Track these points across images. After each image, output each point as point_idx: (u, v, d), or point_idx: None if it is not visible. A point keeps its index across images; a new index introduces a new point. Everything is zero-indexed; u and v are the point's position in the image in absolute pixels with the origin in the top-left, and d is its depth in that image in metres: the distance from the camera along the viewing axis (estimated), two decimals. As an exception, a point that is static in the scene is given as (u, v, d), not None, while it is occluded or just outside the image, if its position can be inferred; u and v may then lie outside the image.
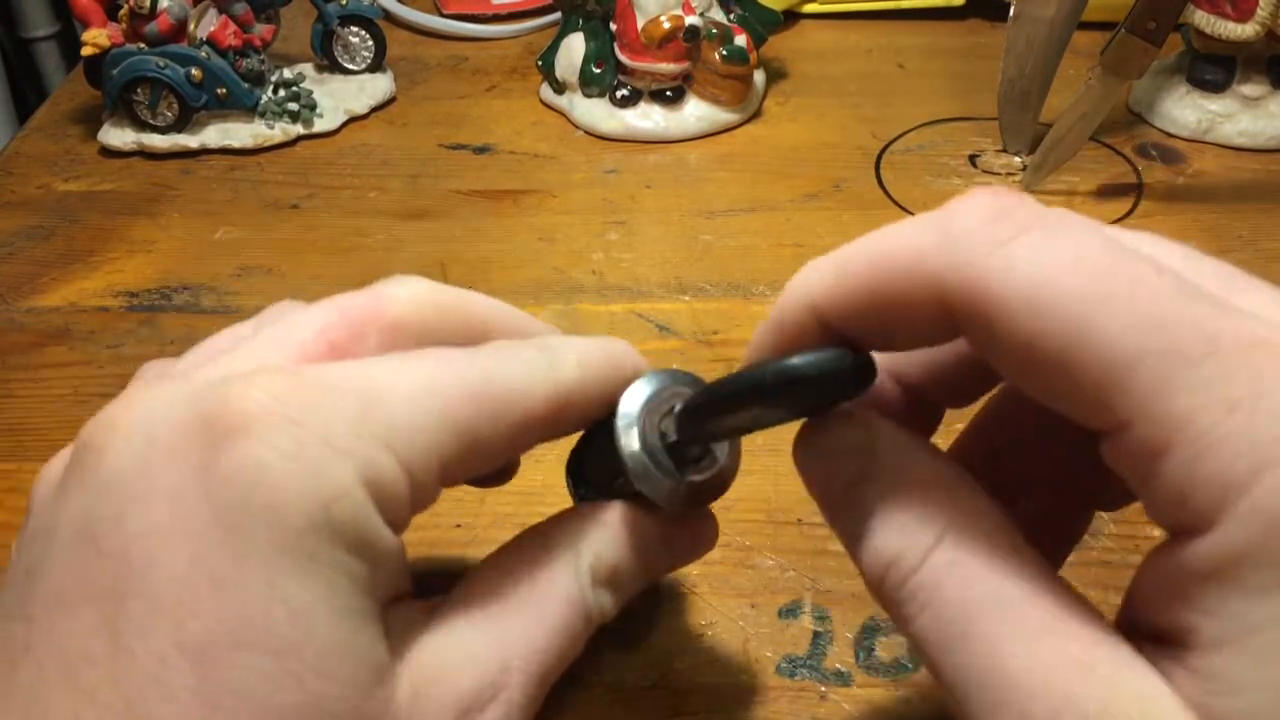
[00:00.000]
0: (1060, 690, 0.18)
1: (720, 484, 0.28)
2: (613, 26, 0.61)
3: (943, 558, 0.20)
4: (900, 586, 0.21)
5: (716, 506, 0.38)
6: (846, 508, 0.23)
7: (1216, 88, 0.58)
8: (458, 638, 0.24)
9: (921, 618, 0.20)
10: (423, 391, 0.23)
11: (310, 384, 0.22)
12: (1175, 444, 0.18)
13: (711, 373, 0.44)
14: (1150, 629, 0.19)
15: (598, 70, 0.61)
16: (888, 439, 0.23)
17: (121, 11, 0.58)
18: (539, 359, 0.25)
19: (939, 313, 0.20)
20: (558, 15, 0.66)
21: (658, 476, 0.26)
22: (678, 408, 0.26)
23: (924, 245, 0.21)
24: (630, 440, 0.26)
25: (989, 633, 0.19)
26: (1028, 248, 0.20)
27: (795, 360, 0.22)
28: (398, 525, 0.23)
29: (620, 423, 0.26)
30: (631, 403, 0.26)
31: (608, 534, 0.27)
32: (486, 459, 0.24)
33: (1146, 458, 0.18)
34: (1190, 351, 0.18)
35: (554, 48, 0.63)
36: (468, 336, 0.26)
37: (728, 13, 0.62)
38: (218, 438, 0.21)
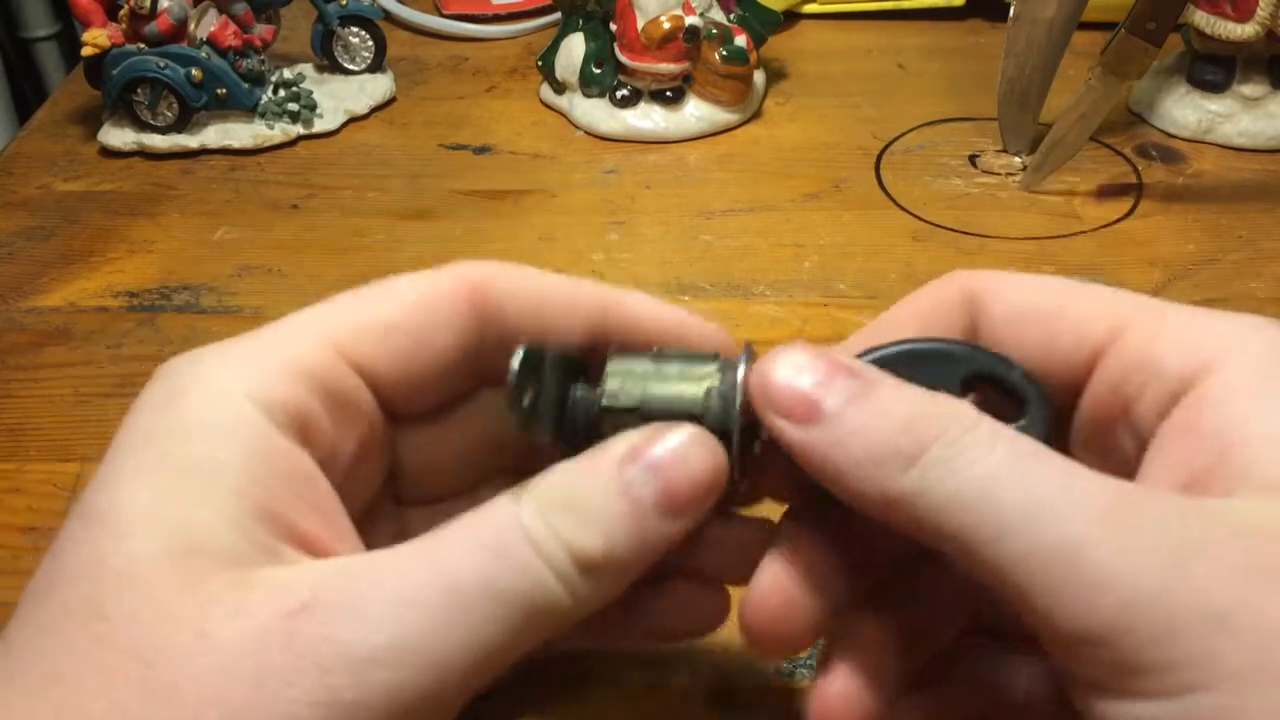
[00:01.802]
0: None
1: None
2: (613, 27, 0.61)
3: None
4: (958, 438, 0.22)
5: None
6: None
7: (1216, 88, 0.58)
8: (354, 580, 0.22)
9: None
10: None
11: None
12: None
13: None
14: None
15: (598, 70, 0.61)
16: None
17: (122, 12, 0.58)
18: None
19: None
20: (558, 15, 0.66)
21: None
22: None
23: None
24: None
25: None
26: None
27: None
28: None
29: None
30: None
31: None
32: None
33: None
34: None
35: (554, 48, 0.63)
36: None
37: (728, 13, 0.62)
38: None
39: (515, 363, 0.24)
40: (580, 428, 0.26)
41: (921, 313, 0.27)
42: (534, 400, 0.25)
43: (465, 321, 0.26)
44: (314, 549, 0.23)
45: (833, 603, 0.25)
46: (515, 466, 0.28)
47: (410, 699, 0.21)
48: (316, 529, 0.24)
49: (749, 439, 0.25)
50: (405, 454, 0.28)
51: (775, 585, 0.25)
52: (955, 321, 0.27)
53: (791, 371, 0.23)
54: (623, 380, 0.26)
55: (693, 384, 0.25)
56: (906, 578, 0.27)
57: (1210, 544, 0.20)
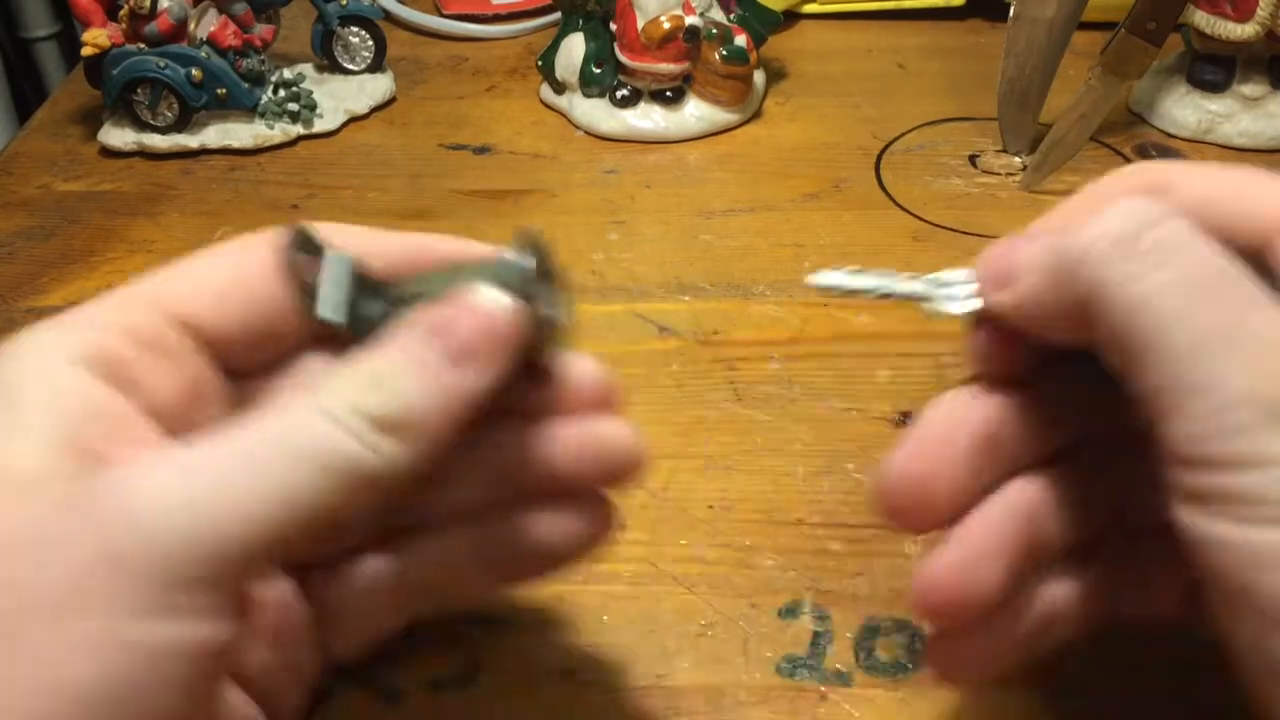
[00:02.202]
0: None
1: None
2: (613, 27, 0.61)
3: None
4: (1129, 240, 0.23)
5: (717, 506, 0.38)
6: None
7: (1216, 88, 0.58)
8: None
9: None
10: None
11: None
12: None
13: (711, 372, 0.45)
14: None
15: (598, 70, 0.61)
16: None
17: (122, 12, 0.58)
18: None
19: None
20: (558, 15, 0.66)
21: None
22: None
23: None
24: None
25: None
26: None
27: None
28: None
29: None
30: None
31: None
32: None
33: None
34: None
35: (554, 48, 0.63)
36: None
37: (728, 13, 0.62)
38: None
39: (288, 238, 0.27)
40: (377, 324, 0.26)
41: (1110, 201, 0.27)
42: (313, 284, 0.27)
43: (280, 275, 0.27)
44: None
45: (976, 480, 0.26)
46: None
47: (200, 555, 0.22)
48: (132, 459, 0.24)
49: (545, 303, 0.26)
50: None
51: (917, 453, 0.26)
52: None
53: (999, 246, 0.26)
54: (417, 282, 0.27)
55: (482, 272, 0.26)
56: (1057, 468, 0.27)
57: None
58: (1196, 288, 0.22)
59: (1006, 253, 0.26)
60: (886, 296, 0.28)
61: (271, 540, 0.22)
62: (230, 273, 0.27)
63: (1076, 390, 0.27)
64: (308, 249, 0.27)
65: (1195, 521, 0.22)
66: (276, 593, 0.29)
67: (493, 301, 0.25)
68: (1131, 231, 0.23)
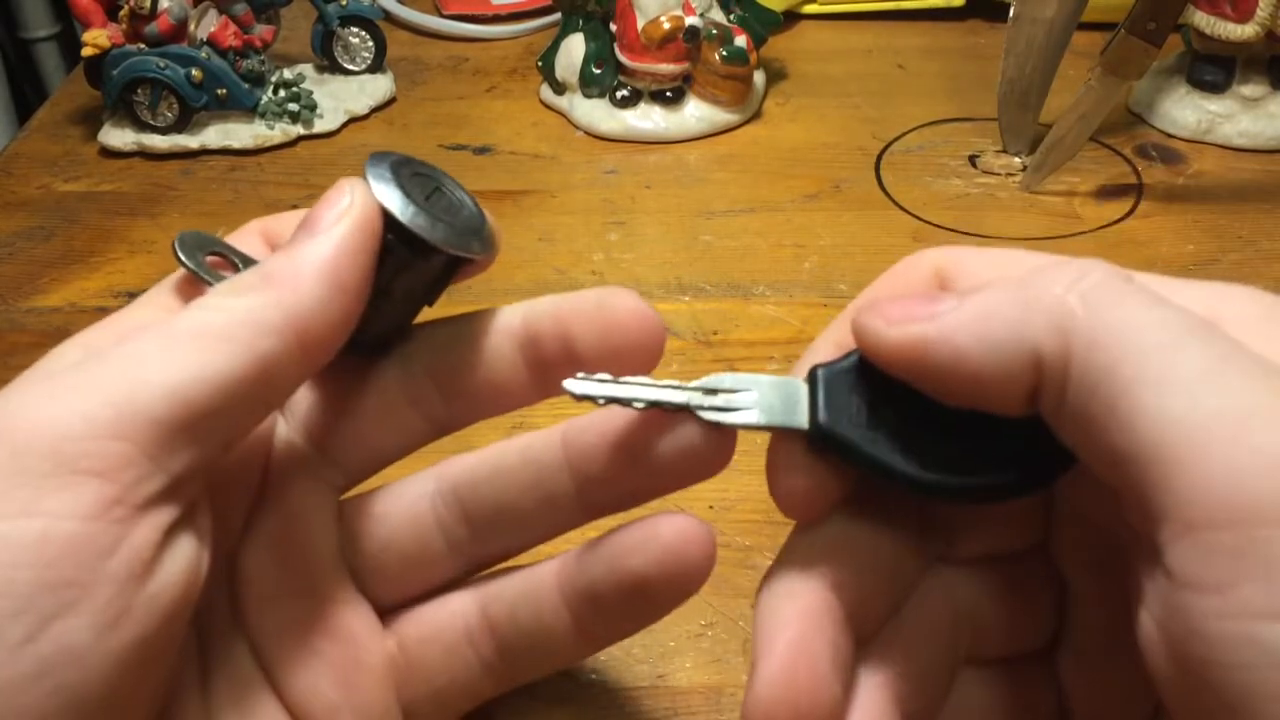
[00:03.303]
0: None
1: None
2: (613, 27, 0.61)
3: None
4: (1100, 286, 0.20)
5: (718, 506, 0.38)
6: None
7: (1216, 88, 0.58)
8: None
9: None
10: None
11: None
12: None
13: (711, 372, 0.45)
14: None
15: (598, 71, 0.61)
16: None
17: (122, 12, 0.58)
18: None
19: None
20: (558, 16, 0.66)
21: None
22: None
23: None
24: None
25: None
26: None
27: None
28: None
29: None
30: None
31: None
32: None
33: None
34: None
35: (554, 48, 0.63)
36: None
37: (728, 13, 0.62)
38: None
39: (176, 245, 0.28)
40: None
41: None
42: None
43: None
44: None
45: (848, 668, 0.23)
46: None
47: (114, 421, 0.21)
48: None
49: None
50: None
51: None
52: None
53: (890, 301, 0.23)
54: None
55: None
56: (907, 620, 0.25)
57: None
58: (1200, 325, 0.19)
59: (912, 305, 0.22)
60: (655, 405, 0.24)
61: (147, 413, 0.21)
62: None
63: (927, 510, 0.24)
64: (200, 248, 0.28)
65: (1220, 626, 0.17)
66: (347, 623, 0.27)
67: (346, 191, 0.26)
68: (1108, 275, 0.20)
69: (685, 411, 0.25)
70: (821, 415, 0.23)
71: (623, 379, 0.24)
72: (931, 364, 0.22)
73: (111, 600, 0.21)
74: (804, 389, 0.24)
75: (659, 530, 0.26)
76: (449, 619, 0.28)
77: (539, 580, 0.27)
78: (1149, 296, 0.20)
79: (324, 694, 0.27)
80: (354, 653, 0.27)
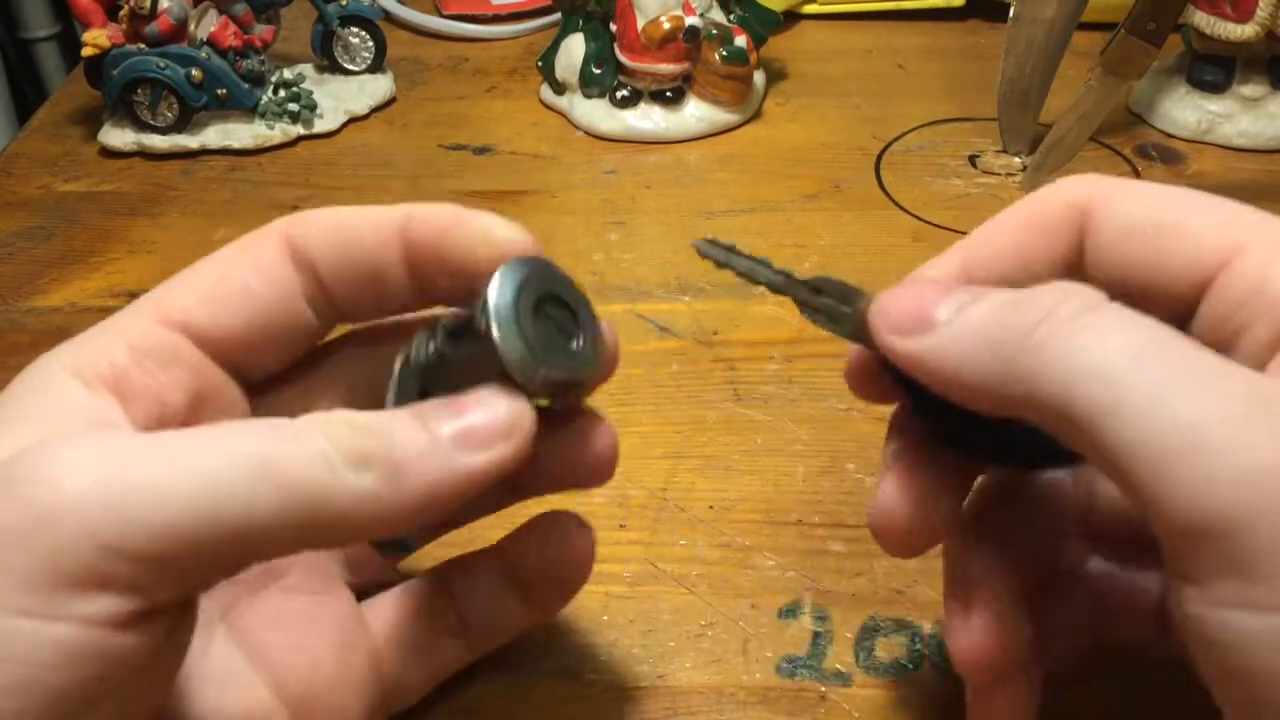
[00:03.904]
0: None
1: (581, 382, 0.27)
2: (613, 27, 0.61)
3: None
4: (1073, 318, 0.22)
5: (717, 506, 0.38)
6: None
7: (1216, 88, 0.58)
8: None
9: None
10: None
11: None
12: None
13: (711, 372, 0.45)
14: None
15: (598, 71, 0.61)
16: None
17: (122, 12, 0.58)
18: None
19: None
20: (558, 16, 0.66)
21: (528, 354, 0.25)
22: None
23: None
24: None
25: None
26: None
27: None
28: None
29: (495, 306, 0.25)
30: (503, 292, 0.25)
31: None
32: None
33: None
34: None
35: (554, 48, 0.63)
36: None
37: (728, 13, 0.62)
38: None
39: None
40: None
41: (1026, 227, 0.27)
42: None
43: (280, 265, 0.27)
44: None
45: (948, 508, 0.27)
46: None
47: (104, 532, 0.20)
48: None
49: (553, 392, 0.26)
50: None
51: (894, 494, 0.26)
52: (1060, 237, 0.26)
53: (907, 294, 0.25)
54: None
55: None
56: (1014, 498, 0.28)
57: None
58: (1151, 346, 0.21)
59: (913, 304, 0.25)
60: (767, 285, 0.27)
61: (190, 547, 0.21)
62: (223, 272, 0.27)
63: None
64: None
65: (1202, 612, 0.20)
66: (333, 602, 0.29)
67: (507, 400, 0.24)
68: (1075, 309, 0.22)
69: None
70: None
71: (746, 253, 0.27)
72: (930, 376, 0.24)
73: (126, 700, 0.21)
74: None
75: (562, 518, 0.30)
76: (417, 598, 0.31)
77: (485, 562, 0.31)
78: (1114, 321, 0.22)
79: (324, 673, 0.28)
80: (345, 632, 0.29)
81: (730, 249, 0.27)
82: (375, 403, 0.26)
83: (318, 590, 0.29)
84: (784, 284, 0.28)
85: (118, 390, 0.24)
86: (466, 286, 0.26)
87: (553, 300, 0.26)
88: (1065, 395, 0.21)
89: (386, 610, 0.31)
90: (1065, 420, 0.21)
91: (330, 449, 0.22)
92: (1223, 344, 0.24)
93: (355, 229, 0.27)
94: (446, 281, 0.27)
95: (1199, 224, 0.24)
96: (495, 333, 0.24)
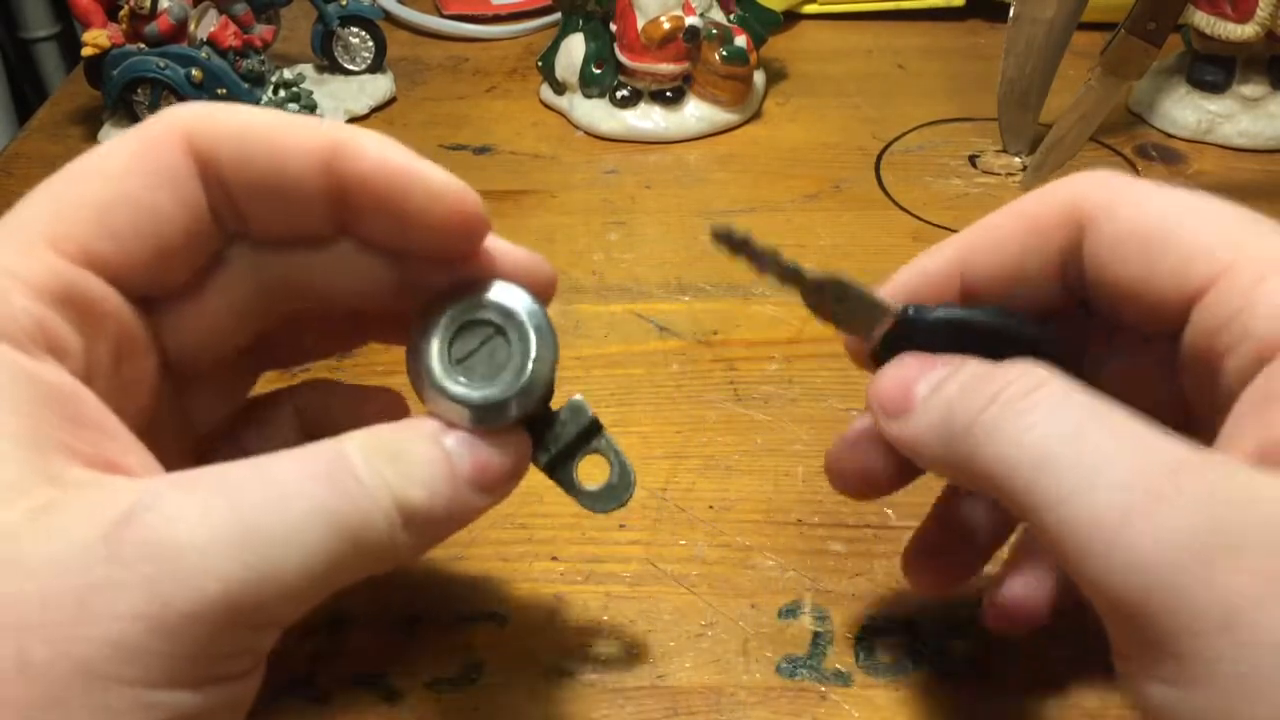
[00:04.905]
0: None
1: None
2: (613, 27, 0.61)
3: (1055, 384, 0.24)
4: (1000, 420, 0.24)
5: (717, 506, 0.38)
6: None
7: (1216, 88, 0.58)
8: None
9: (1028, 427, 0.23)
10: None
11: None
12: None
13: (711, 372, 0.45)
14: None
15: (598, 71, 0.61)
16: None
17: (122, 12, 0.58)
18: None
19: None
20: (558, 16, 0.66)
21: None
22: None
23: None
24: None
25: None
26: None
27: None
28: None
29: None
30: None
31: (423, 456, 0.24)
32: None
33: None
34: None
35: (554, 48, 0.63)
36: None
37: (728, 13, 0.62)
38: None
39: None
40: None
41: (1023, 227, 0.27)
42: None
43: (187, 179, 0.24)
44: (100, 466, 0.22)
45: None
46: (286, 340, 0.30)
47: (236, 612, 0.21)
48: (96, 445, 0.22)
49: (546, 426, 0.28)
50: (173, 338, 0.26)
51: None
52: (1056, 238, 0.27)
53: (894, 375, 0.27)
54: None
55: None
56: None
57: (1244, 540, 0.20)
58: (1080, 430, 0.22)
59: (899, 385, 0.27)
60: (775, 275, 0.28)
61: (295, 607, 0.22)
62: (120, 189, 0.24)
63: None
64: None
65: (1127, 677, 0.22)
66: (115, 303, 0.25)
67: (517, 441, 0.26)
68: (1019, 391, 0.24)
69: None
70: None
71: (759, 241, 0.28)
72: (913, 457, 0.27)
73: None
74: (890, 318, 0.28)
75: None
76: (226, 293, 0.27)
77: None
78: (1049, 405, 0.23)
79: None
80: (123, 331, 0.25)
81: (746, 240, 0.28)
82: (265, 314, 0.27)
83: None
84: (794, 278, 0.28)
85: (54, 352, 0.22)
86: (396, 230, 0.25)
87: (474, 325, 0.26)
88: (1006, 480, 0.23)
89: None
90: (1008, 501, 0.23)
91: (393, 509, 0.23)
92: (1210, 361, 0.25)
93: (276, 148, 0.24)
94: (374, 223, 0.26)
95: (1190, 238, 0.25)
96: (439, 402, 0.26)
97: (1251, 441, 0.22)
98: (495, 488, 0.25)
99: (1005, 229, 0.28)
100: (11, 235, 0.23)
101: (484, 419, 0.25)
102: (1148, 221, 0.25)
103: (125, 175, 0.24)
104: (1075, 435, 0.22)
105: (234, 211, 0.25)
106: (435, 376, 0.26)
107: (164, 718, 0.20)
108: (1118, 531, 0.21)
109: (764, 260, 0.28)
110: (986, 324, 0.27)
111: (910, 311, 0.28)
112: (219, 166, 0.24)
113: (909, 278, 0.29)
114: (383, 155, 0.24)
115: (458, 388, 0.25)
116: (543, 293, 0.27)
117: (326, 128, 0.25)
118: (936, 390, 0.26)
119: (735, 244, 0.28)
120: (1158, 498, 0.21)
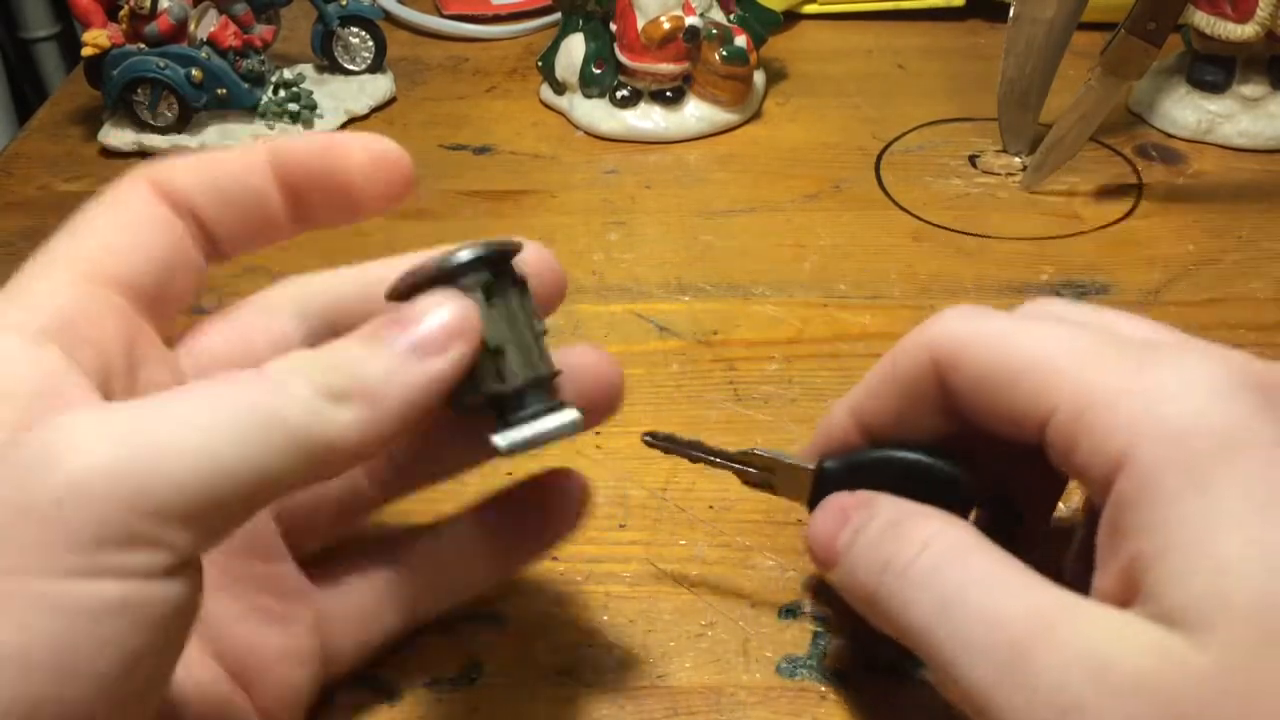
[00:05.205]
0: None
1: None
2: (613, 27, 0.61)
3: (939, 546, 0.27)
4: (902, 574, 0.27)
5: (717, 506, 0.38)
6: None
7: (1216, 88, 0.58)
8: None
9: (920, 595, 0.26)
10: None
11: None
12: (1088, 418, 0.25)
13: (711, 372, 0.45)
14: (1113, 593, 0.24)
15: (598, 71, 0.61)
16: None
17: (122, 12, 0.58)
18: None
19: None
20: (558, 15, 0.66)
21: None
22: None
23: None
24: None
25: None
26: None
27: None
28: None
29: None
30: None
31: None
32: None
33: (1068, 438, 0.25)
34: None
35: (554, 48, 0.63)
36: None
37: (728, 13, 0.62)
38: None
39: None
40: None
41: (896, 387, 0.30)
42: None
43: (166, 216, 0.27)
44: None
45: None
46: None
47: (112, 497, 0.21)
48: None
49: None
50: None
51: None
52: (927, 390, 0.29)
53: (822, 521, 0.30)
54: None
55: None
56: None
57: (1096, 708, 0.22)
58: (960, 593, 0.25)
59: (826, 536, 0.30)
60: (707, 461, 0.33)
61: (210, 499, 0.22)
62: (116, 222, 0.27)
63: None
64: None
65: None
66: (277, 572, 0.30)
67: (456, 300, 0.26)
68: (912, 554, 0.27)
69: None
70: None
71: (684, 439, 0.33)
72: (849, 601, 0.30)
73: (160, 658, 0.23)
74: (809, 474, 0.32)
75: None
76: (364, 563, 0.32)
77: (450, 523, 0.33)
78: (932, 566, 0.26)
79: (270, 644, 0.29)
80: (287, 601, 0.29)
81: (670, 437, 0.33)
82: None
83: (259, 558, 0.29)
84: (722, 463, 0.33)
85: (63, 341, 0.24)
86: (345, 204, 0.30)
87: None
88: (903, 637, 0.27)
89: (332, 577, 0.31)
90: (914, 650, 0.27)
91: (309, 392, 0.23)
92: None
93: (224, 165, 0.28)
94: (324, 202, 0.29)
95: (1026, 384, 0.27)
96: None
97: (1112, 577, 0.24)
98: (432, 347, 0.25)
99: (881, 385, 0.30)
100: (39, 267, 0.26)
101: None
102: (993, 364, 0.27)
103: (113, 216, 0.27)
104: (951, 603, 0.25)
105: (208, 235, 0.28)
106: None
107: (59, 607, 0.20)
108: (989, 697, 0.24)
109: (692, 453, 0.33)
110: (892, 459, 0.31)
111: (826, 464, 0.32)
112: (184, 195, 0.28)
113: (818, 439, 0.33)
114: (309, 136, 0.30)
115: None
116: (550, 293, 0.30)
117: (260, 141, 0.29)
118: (848, 547, 0.29)
119: (663, 444, 0.33)
120: (1016, 667, 0.23)
